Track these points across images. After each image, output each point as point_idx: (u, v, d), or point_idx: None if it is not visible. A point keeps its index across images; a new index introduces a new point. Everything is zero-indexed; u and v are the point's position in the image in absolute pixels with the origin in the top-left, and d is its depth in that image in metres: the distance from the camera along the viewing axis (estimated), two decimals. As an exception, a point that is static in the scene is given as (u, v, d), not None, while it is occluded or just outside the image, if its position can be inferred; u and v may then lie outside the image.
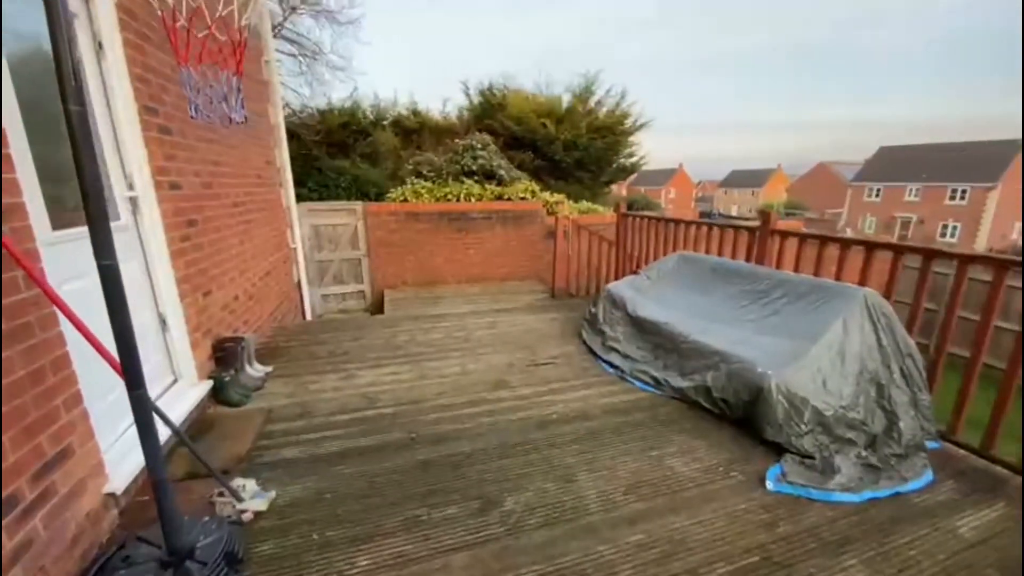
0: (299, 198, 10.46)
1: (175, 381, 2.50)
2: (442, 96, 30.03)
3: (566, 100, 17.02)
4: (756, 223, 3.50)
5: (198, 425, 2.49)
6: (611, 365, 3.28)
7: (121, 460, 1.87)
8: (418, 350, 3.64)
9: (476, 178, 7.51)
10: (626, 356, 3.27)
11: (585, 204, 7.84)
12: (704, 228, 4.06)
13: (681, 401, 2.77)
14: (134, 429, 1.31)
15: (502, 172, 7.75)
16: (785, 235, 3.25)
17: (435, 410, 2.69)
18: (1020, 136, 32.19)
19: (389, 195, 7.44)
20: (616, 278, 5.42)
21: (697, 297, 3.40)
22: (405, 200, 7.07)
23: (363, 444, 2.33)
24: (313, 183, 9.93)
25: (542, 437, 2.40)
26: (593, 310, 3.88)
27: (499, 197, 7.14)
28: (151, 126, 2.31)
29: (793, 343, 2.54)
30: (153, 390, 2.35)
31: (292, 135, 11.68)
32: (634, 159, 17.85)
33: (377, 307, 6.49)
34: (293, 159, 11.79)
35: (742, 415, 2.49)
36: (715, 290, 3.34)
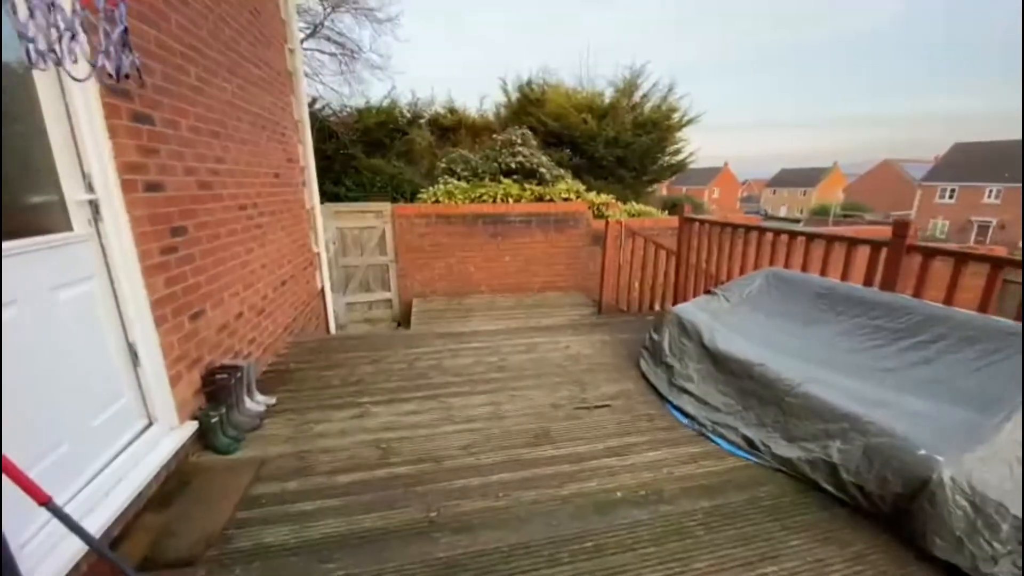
0: (337, 197, 10.25)
1: (148, 426, 2.05)
2: (480, 94, 29.68)
3: (609, 95, 16.16)
4: (882, 234, 2.71)
5: (174, 479, 2.02)
6: (683, 413, 2.59)
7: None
8: (443, 380, 3.08)
9: (515, 177, 6.93)
10: (703, 402, 2.58)
11: (635, 206, 7.07)
12: (798, 239, 3.28)
13: (789, 475, 2.05)
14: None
15: (543, 170, 7.12)
16: (935, 253, 2.46)
17: (461, 472, 2.11)
18: None
19: (420, 195, 6.98)
20: (678, 295, 4.68)
21: (798, 329, 2.65)
22: (437, 201, 6.59)
23: (367, 526, 1.78)
24: (351, 182, 9.75)
25: (603, 528, 1.76)
26: (655, 337, 3.19)
27: (539, 198, 6.50)
28: (119, 112, 1.85)
29: (967, 413, 1.78)
30: (118, 440, 1.89)
31: (332, 134, 11.61)
32: (681, 156, 16.78)
33: (404, 318, 6.04)
34: (331, 157, 11.68)
35: (891, 511, 1.76)
36: (824, 322, 2.58)
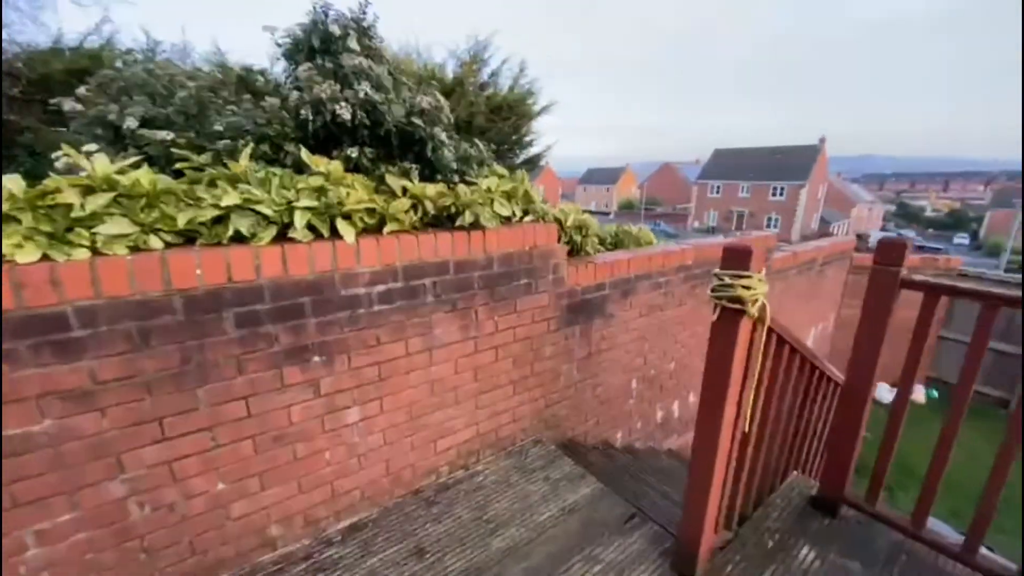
0: None
1: None
2: (272, 53, 22.18)
3: (451, 68, 12.24)
4: None
5: None
6: None
7: None
8: None
9: (349, 150, 2.27)
10: None
11: (577, 212, 3.36)
12: None
13: None
14: None
15: (438, 133, 2.42)
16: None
17: None
18: (817, 142, 38.65)
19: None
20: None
21: None
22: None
23: None
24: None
25: None
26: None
27: (447, 217, 1.96)
28: None
29: None
30: None
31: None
32: (537, 149, 14.24)
33: None
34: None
35: None
36: None
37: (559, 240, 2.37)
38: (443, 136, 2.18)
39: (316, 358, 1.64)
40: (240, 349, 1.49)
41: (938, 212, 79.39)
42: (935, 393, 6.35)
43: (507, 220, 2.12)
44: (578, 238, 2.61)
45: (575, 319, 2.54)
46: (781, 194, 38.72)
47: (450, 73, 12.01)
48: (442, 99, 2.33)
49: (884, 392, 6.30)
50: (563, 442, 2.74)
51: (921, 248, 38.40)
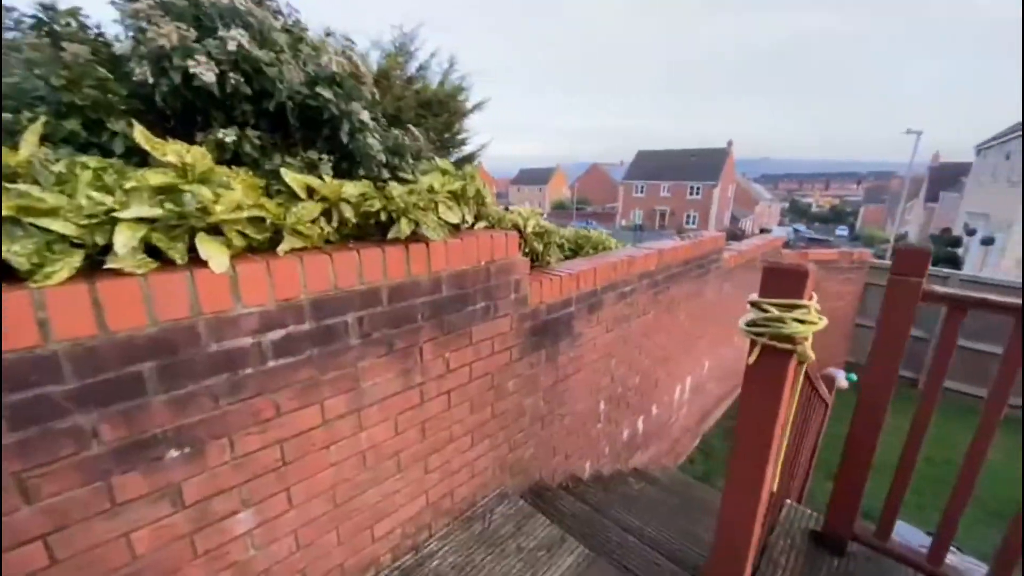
0: None
1: None
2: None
3: (375, 58, 11.37)
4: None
5: None
6: None
7: None
8: None
9: (221, 133, 1.52)
10: None
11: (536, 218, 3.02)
12: None
13: None
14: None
15: (341, 107, 1.74)
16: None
17: None
18: (726, 145, 42.09)
19: None
20: None
21: None
22: None
23: None
24: None
25: None
26: None
27: (373, 221, 1.32)
28: None
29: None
30: None
31: None
32: (470, 148, 13.77)
33: None
34: None
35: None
36: None
37: (520, 250, 1.94)
38: (364, 115, 1.62)
39: (172, 452, 1.06)
40: (23, 464, 0.87)
41: (821, 208, 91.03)
42: (854, 376, 6.80)
43: (456, 228, 1.65)
44: (539, 247, 2.20)
45: (540, 343, 2.13)
46: (698, 193, 41.73)
47: (374, 65, 11.15)
48: (361, 64, 1.77)
49: (841, 379, 6.68)
50: (531, 487, 2.32)
51: (812, 241, 43.43)
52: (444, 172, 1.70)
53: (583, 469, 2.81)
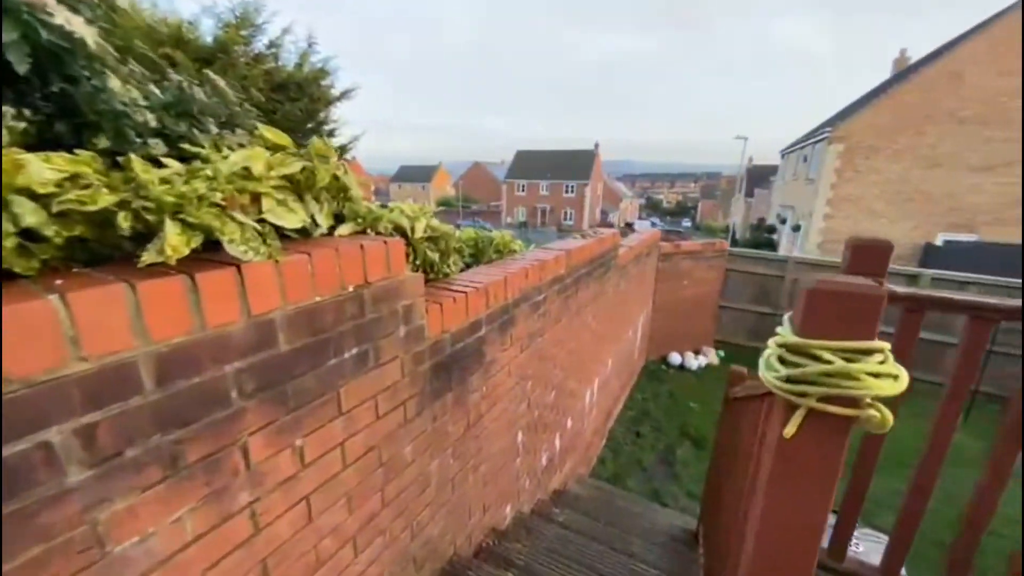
0: None
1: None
2: None
3: (210, 29, 9.35)
4: None
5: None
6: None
7: None
8: None
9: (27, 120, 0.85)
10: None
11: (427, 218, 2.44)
12: None
13: None
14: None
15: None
16: None
17: None
18: (593, 146, 45.61)
19: None
20: None
21: None
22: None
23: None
24: None
25: None
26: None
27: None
28: None
29: None
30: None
31: None
32: (340, 140, 12.35)
33: None
34: None
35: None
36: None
37: (408, 263, 1.38)
38: (87, 34, 0.87)
39: None
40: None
41: (670, 204, 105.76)
42: (722, 353, 7.53)
43: (304, 236, 1.03)
44: (434, 256, 1.65)
45: (446, 385, 1.59)
46: (572, 191, 44.60)
47: (209, 37, 9.19)
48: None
49: (690, 359, 7.25)
50: (443, 570, 1.77)
51: (670, 232, 49.76)
52: (274, 147, 1.06)
53: (504, 517, 2.36)
